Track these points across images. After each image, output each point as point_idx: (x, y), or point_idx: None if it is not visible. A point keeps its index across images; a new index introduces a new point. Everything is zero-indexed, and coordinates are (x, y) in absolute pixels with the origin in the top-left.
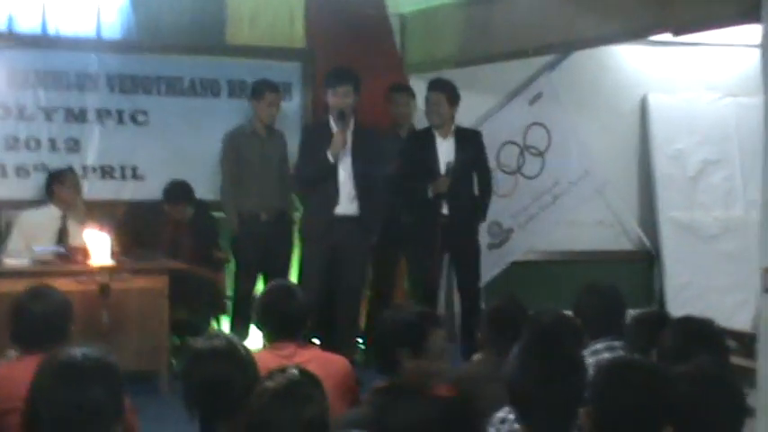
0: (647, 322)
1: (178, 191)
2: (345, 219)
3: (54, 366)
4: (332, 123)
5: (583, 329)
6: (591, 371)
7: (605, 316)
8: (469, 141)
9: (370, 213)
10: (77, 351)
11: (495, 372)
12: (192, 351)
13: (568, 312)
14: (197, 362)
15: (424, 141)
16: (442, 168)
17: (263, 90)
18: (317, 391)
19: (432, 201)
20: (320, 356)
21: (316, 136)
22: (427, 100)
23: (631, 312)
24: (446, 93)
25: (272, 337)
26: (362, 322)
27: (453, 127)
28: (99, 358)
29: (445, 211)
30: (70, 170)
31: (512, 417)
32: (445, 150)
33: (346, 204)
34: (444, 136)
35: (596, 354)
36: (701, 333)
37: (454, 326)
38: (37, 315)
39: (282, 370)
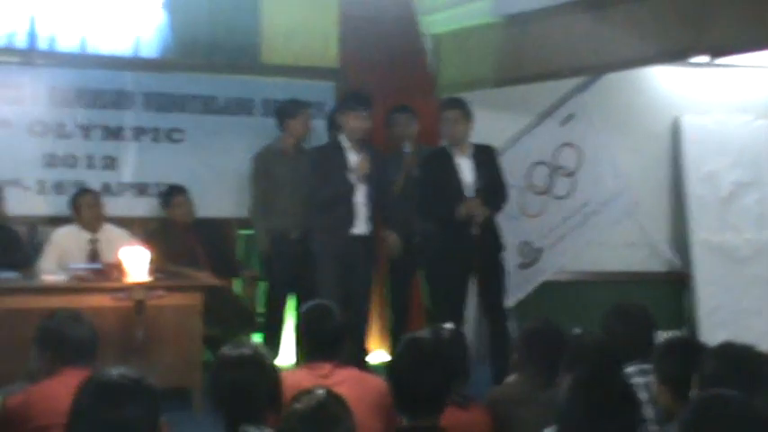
0: (677, 349)
1: (168, 190)
2: (359, 239)
3: (94, 386)
4: (343, 144)
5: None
6: None
7: (635, 338)
8: (487, 157)
9: (376, 233)
10: (117, 372)
11: (531, 393)
12: (220, 357)
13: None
14: (224, 367)
15: (442, 161)
16: (466, 187)
17: (298, 108)
18: (344, 412)
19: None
20: (356, 377)
21: (330, 157)
22: (443, 119)
23: (662, 335)
24: (463, 110)
25: (309, 356)
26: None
27: (469, 145)
28: (136, 378)
29: (474, 231)
30: (85, 193)
31: None
32: (466, 168)
33: (361, 225)
34: (463, 153)
35: (629, 378)
36: (742, 359)
37: (482, 347)
38: (78, 335)
39: (310, 392)
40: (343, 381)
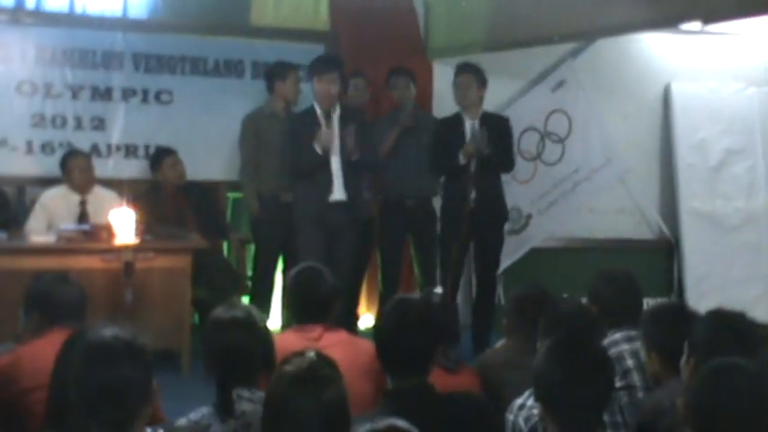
0: (665, 315)
1: (158, 151)
2: (337, 205)
3: (85, 346)
4: (318, 112)
5: (601, 319)
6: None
7: (622, 303)
8: (496, 126)
9: (356, 198)
10: (108, 331)
11: (520, 358)
12: (212, 319)
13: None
14: (216, 330)
15: (454, 126)
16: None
17: (286, 70)
18: (335, 374)
19: (459, 188)
20: (347, 340)
21: (303, 125)
22: (456, 83)
23: (650, 302)
24: (476, 75)
25: (299, 318)
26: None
27: (481, 111)
28: (130, 339)
29: (473, 197)
30: (76, 154)
31: (530, 402)
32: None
33: (339, 191)
34: (473, 118)
35: (615, 344)
36: (734, 325)
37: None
38: (67, 295)
39: (300, 354)
40: (334, 344)
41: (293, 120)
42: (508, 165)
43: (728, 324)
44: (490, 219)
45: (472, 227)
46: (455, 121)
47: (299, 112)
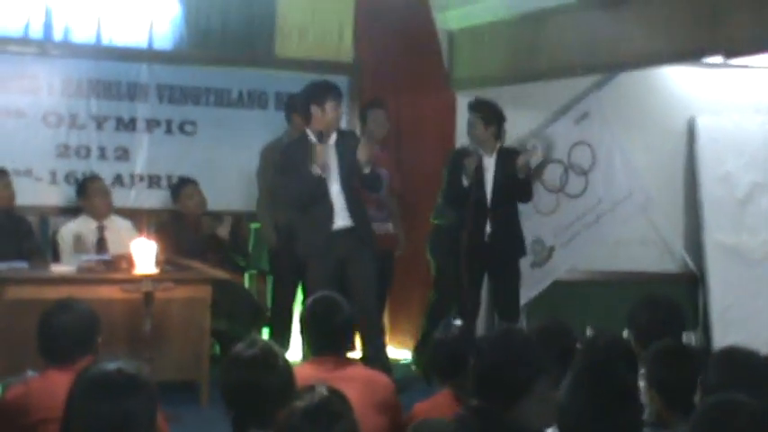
0: (668, 354)
1: (178, 182)
2: (343, 232)
3: (88, 380)
4: (311, 136)
5: (638, 353)
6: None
7: (662, 330)
8: (512, 160)
9: (363, 223)
10: (112, 365)
11: (544, 392)
12: (231, 356)
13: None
14: (234, 366)
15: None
16: (488, 190)
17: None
18: (345, 409)
19: (474, 221)
20: (362, 373)
21: (298, 153)
22: (468, 120)
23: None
24: (481, 113)
25: (315, 350)
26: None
27: (498, 146)
28: (133, 373)
29: (488, 229)
30: (94, 180)
31: None
32: (489, 168)
33: (341, 218)
34: (489, 155)
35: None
36: (746, 365)
37: None
38: (62, 328)
39: (311, 388)
40: (350, 377)
41: (284, 151)
42: (521, 196)
43: (741, 363)
44: (504, 251)
45: (487, 260)
46: (466, 155)
47: (289, 143)
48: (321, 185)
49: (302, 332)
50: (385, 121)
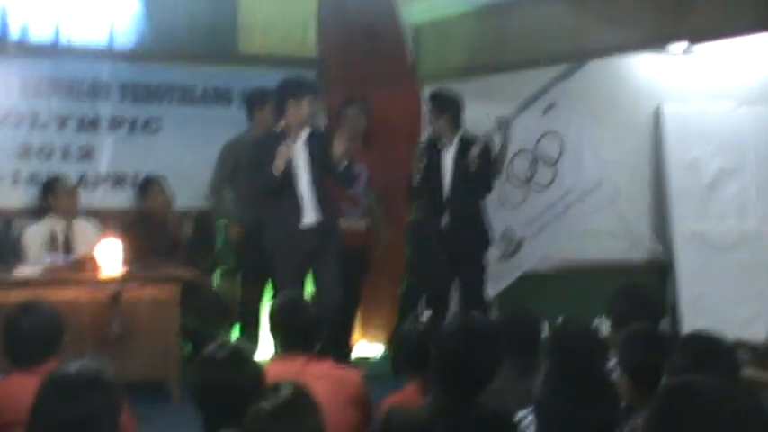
0: (639, 338)
1: (144, 181)
2: (311, 227)
3: (50, 382)
4: (285, 132)
5: (615, 342)
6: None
7: (639, 319)
8: (469, 151)
9: (330, 219)
10: (73, 366)
11: (509, 383)
12: (203, 357)
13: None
14: (205, 367)
15: (430, 152)
16: (446, 181)
17: (265, 98)
18: (312, 407)
19: (432, 210)
20: (333, 370)
21: (267, 148)
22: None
23: None
24: (434, 103)
25: (284, 347)
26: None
27: (456, 136)
28: (95, 373)
29: (445, 222)
30: (61, 179)
31: (530, 418)
32: (448, 162)
33: (309, 213)
34: (447, 145)
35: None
36: (711, 350)
37: None
38: (26, 331)
39: (277, 387)
40: (319, 375)
41: (256, 146)
42: (480, 190)
43: (706, 349)
44: (465, 243)
45: (449, 252)
46: (429, 148)
47: (263, 136)
48: (285, 182)
49: (271, 330)
50: (360, 117)
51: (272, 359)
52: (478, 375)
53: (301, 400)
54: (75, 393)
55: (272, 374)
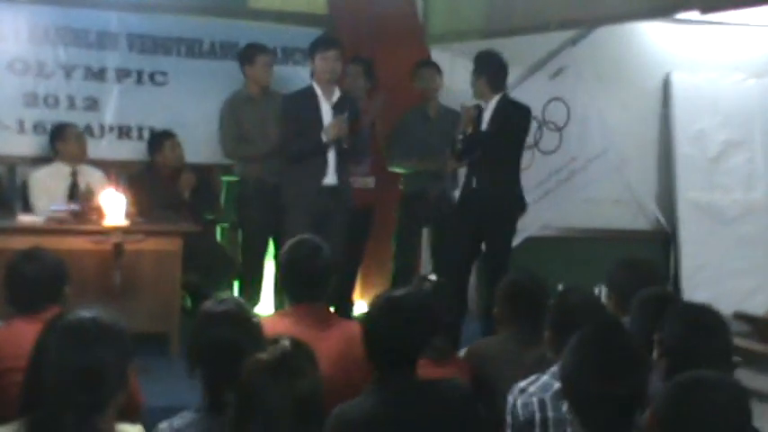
0: (652, 303)
1: (159, 133)
2: (328, 189)
3: (62, 328)
4: (317, 91)
5: (616, 313)
6: None
7: (636, 292)
8: (509, 114)
9: (345, 183)
10: (87, 313)
11: (516, 352)
12: (201, 313)
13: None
14: (205, 324)
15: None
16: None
17: (255, 53)
18: (309, 365)
19: (466, 174)
20: (345, 330)
21: (301, 106)
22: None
23: None
24: (475, 64)
25: (293, 297)
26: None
27: (497, 98)
28: (109, 323)
29: (474, 184)
30: (70, 125)
31: (531, 389)
32: (485, 123)
33: (331, 175)
34: (487, 108)
35: None
36: (705, 324)
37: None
38: (29, 277)
39: (275, 341)
40: (329, 336)
41: (286, 101)
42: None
43: (700, 322)
44: (497, 204)
45: (476, 216)
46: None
47: (293, 92)
48: (324, 149)
49: (281, 279)
50: (360, 77)
51: (278, 313)
52: (408, 353)
53: (299, 357)
54: (88, 341)
55: (280, 331)
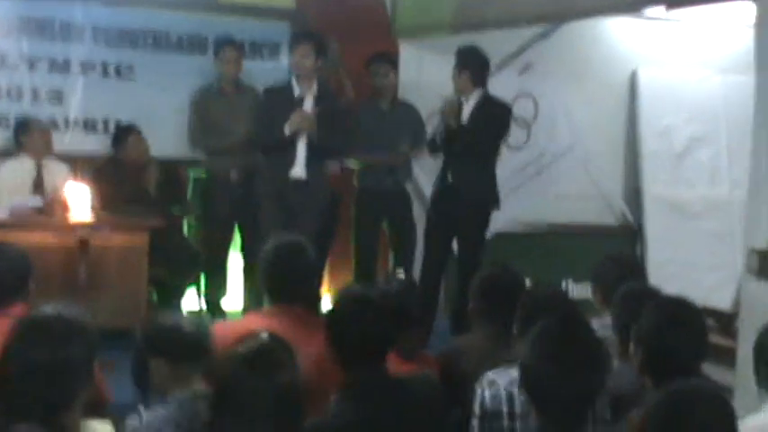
0: (633, 297)
1: (123, 128)
2: (297, 183)
3: (27, 325)
4: (294, 86)
5: (602, 309)
6: None
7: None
8: (490, 110)
9: (317, 177)
10: (52, 310)
11: (492, 350)
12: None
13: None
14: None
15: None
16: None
17: (219, 48)
18: (288, 357)
19: (441, 169)
20: (320, 333)
21: (276, 100)
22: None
23: None
24: (457, 59)
25: (276, 298)
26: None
27: (478, 94)
28: (73, 319)
29: (450, 180)
30: (34, 119)
31: (501, 381)
32: (466, 116)
33: (300, 168)
34: (467, 103)
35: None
36: (679, 316)
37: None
38: None
39: (253, 335)
40: (305, 337)
41: (264, 94)
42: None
43: (676, 315)
44: (472, 199)
45: (448, 211)
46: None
47: (271, 86)
48: (288, 142)
49: (263, 279)
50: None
51: (259, 313)
52: (375, 349)
53: (277, 350)
54: (54, 338)
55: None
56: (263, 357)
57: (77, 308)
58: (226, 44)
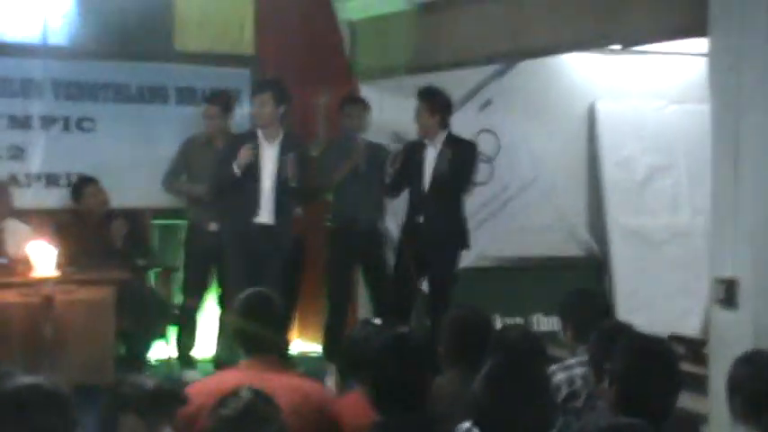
0: (606, 336)
1: (79, 181)
2: (263, 228)
3: (2, 396)
4: (258, 133)
5: (572, 345)
6: (563, 386)
7: (593, 322)
8: (459, 150)
9: (284, 224)
10: (28, 380)
11: (463, 389)
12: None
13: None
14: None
15: (415, 151)
16: (427, 178)
17: (209, 99)
18: (273, 411)
19: (408, 210)
20: (296, 383)
21: (239, 146)
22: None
23: None
24: (429, 101)
25: (249, 348)
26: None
27: (444, 135)
28: (51, 389)
29: (420, 220)
30: None
31: (476, 430)
32: (431, 159)
33: (265, 214)
34: (434, 144)
35: (569, 369)
36: (652, 353)
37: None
38: None
39: (235, 394)
40: (281, 387)
41: (229, 139)
42: (464, 186)
43: (649, 352)
44: (442, 240)
45: (421, 249)
46: (417, 147)
47: (237, 133)
48: (243, 181)
49: (233, 332)
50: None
51: (233, 367)
52: (414, 394)
53: (262, 405)
54: (31, 409)
55: (233, 383)
56: (250, 416)
57: (47, 367)
58: (206, 100)
